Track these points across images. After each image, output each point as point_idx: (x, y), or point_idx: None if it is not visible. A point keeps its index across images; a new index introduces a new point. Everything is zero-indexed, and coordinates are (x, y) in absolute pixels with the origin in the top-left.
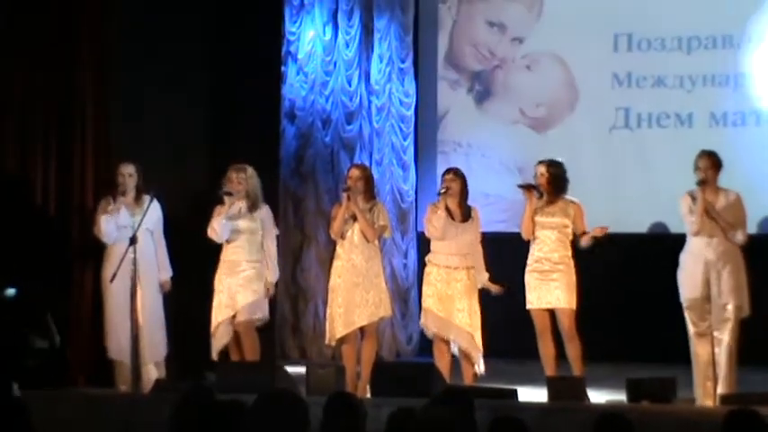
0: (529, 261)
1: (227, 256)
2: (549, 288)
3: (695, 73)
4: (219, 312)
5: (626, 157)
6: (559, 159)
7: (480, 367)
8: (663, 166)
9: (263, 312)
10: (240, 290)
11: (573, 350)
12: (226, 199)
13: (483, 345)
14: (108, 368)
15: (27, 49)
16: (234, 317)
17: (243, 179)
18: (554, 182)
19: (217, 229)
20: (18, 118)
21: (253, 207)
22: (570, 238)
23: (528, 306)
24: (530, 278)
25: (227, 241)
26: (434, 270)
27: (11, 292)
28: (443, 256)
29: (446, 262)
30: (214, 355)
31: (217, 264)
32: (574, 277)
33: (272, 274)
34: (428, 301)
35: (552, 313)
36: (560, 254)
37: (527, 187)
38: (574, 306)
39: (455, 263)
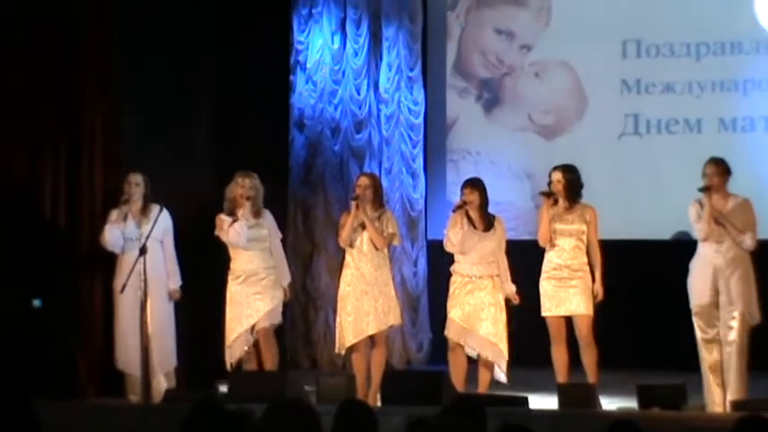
0: (545, 268)
1: (241, 265)
2: (568, 295)
3: (704, 79)
4: (239, 323)
5: (635, 163)
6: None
7: (502, 376)
8: (672, 173)
9: (280, 318)
10: (260, 297)
11: (589, 357)
12: (246, 203)
13: None
14: (119, 379)
15: (35, 57)
16: (253, 325)
17: (254, 185)
18: (570, 188)
19: (241, 232)
20: (27, 127)
21: (257, 214)
22: (586, 243)
23: (544, 313)
24: (547, 285)
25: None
26: (459, 280)
27: (37, 302)
28: (467, 266)
29: (470, 271)
30: (229, 366)
31: (226, 273)
32: (591, 283)
33: (286, 277)
34: (452, 311)
35: (567, 320)
36: (579, 261)
37: (548, 195)
38: (592, 312)
39: (479, 272)
